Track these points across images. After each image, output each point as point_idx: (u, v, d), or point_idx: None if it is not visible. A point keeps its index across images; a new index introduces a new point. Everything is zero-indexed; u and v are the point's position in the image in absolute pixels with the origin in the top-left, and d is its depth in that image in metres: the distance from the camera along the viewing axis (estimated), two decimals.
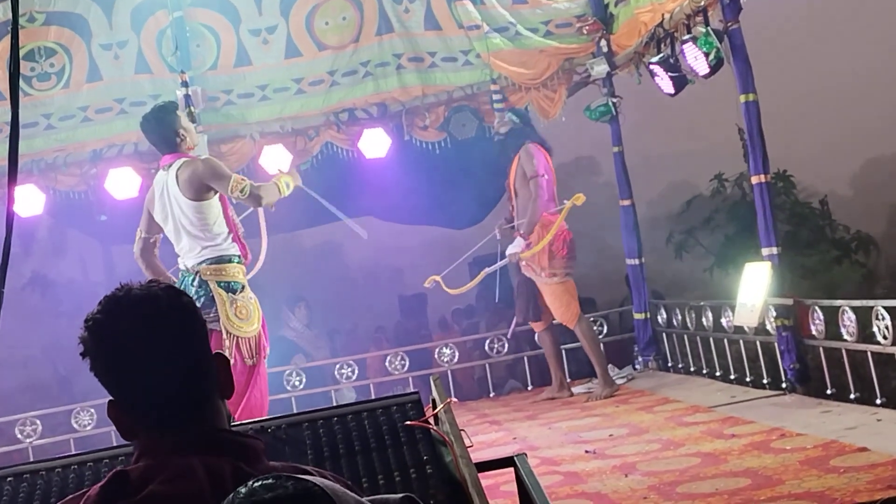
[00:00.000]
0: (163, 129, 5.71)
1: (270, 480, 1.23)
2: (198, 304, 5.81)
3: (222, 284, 5.58)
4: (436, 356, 9.28)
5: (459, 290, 8.37)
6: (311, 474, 1.58)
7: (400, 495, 1.46)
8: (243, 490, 1.21)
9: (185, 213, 5.63)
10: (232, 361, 5.50)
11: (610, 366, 8.78)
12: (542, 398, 8.03)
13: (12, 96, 2.53)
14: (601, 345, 8.27)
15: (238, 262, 5.71)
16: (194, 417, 1.62)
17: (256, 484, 1.22)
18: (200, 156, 6.18)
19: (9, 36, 7.92)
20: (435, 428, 3.04)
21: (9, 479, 2.93)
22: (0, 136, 8.20)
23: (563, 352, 8.43)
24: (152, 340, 1.61)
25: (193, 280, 5.61)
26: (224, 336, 5.48)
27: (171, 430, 1.60)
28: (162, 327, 1.62)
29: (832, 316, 6.11)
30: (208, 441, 1.60)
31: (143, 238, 5.90)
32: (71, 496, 1.62)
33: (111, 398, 1.64)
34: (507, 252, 7.68)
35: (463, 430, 3.04)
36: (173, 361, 1.61)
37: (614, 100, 8.68)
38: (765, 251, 6.70)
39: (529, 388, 9.01)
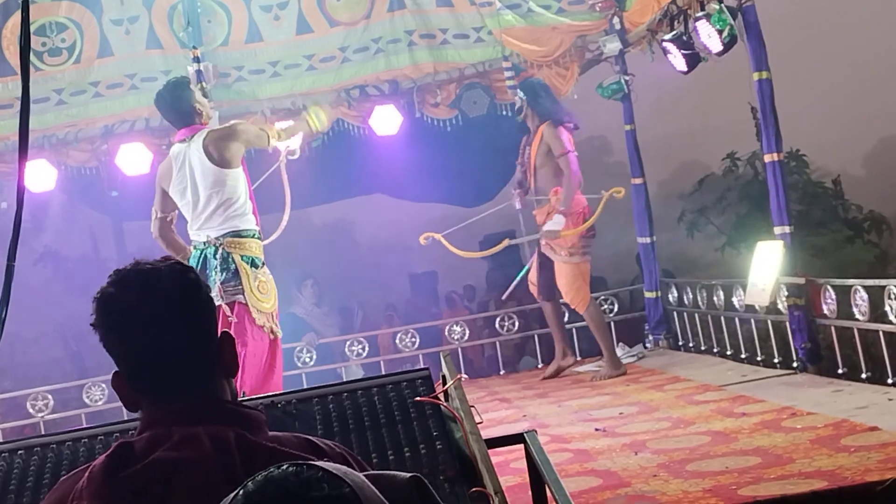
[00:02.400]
0: (179, 104, 5.71)
1: (304, 470, 1.22)
2: (220, 277, 5.77)
3: (246, 259, 5.57)
4: (446, 334, 9.28)
5: (471, 254, 8.24)
6: (318, 446, 1.58)
7: (408, 474, 1.45)
8: (274, 474, 1.21)
9: (213, 182, 5.57)
10: (251, 334, 5.52)
11: (620, 344, 8.78)
12: (549, 372, 7.95)
13: (23, 71, 2.53)
14: (609, 326, 8.23)
15: (256, 238, 5.70)
16: (197, 390, 1.64)
17: (290, 470, 1.21)
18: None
19: (19, 11, 7.92)
20: (445, 404, 3.04)
21: (19, 451, 2.95)
22: (11, 112, 8.22)
23: (570, 328, 8.40)
24: (157, 314, 1.64)
25: (215, 253, 5.57)
26: (248, 309, 5.48)
27: (174, 402, 1.63)
28: (167, 302, 1.65)
29: (844, 295, 6.08)
30: (211, 411, 1.62)
31: (160, 217, 5.88)
32: (78, 469, 1.63)
33: (116, 370, 1.67)
34: (546, 228, 7.43)
35: (473, 406, 3.04)
36: (177, 336, 1.64)
37: (627, 77, 8.62)
38: (777, 230, 6.67)
39: (539, 365, 9.01)
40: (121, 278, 1.68)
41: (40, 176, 8.25)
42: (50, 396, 8.65)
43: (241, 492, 1.20)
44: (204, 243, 5.63)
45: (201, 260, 5.60)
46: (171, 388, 1.64)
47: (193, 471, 1.51)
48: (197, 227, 5.70)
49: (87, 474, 1.55)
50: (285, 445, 1.57)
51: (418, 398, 3.02)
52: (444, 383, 3.17)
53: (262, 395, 3.20)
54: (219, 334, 1.72)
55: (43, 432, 6.80)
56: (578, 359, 7.82)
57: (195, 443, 1.55)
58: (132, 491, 1.50)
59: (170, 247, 5.86)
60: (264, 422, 1.66)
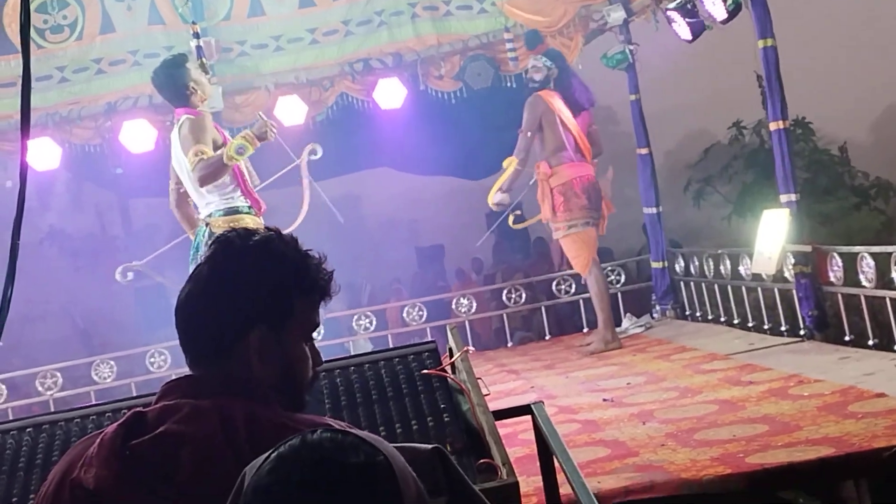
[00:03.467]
0: (173, 83, 5.67)
1: (339, 436, 1.22)
2: None
3: None
4: (453, 307, 9.29)
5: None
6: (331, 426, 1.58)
7: (430, 446, 1.46)
8: (311, 437, 1.21)
9: (186, 168, 5.63)
10: None
11: (628, 315, 8.78)
12: (589, 350, 7.55)
13: (23, 48, 2.51)
14: (616, 298, 8.20)
15: (249, 213, 5.69)
16: (220, 363, 1.65)
17: (325, 435, 1.21)
18: (211, 109, 6.18)
19: None
20: (452, 376, 3.04)
21: (28, 429, 2.97)
22: (14, 90, 8.20)
23: (577, 299, 8.39)
24: (208, 267, 1.69)
25: (205, 233, 5.62)
26: None
27: (200, 368, 1.67)
28: (221, 267, 1.69)
29: (851, 263, 6.07)
30: (223, 385, 1.62)
31: (174, 189, 5.94)
32: (91, 434, 1.65)
33: None
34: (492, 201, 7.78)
35: (480, 378, 3.05)
36: (220, 307, 1.66)
37: (631, 47, 8.57)
38: (783, 198, 6.65)
39: (547, 337, 9.01)
40: (218, 240, 1.74)
41: (44, 154, 8.23)
42: (58, 374, 8.68)
43: (273, 454, 1.21)
44: (200, 226, 5.73)
45: (200, 240, 5.68)
46: (199, 353, 1.67)
47: (199, 446, 1.52)
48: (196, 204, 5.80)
49: (98, 440, 1.56)
50: (294, 422, 1.57)
51: (426, 371, 3.03)
52: (452, 356, 3.18)
53: None
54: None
55: (52, 410, 6.83)
56: (621, 346, 7.61)
57: (203, 417, 1.55)
58: (140, 461, 1.51)
59: (184, 220, 6.00)
60: (278, 400, 1.66)
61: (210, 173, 5.46)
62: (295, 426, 1.52)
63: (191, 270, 1.75)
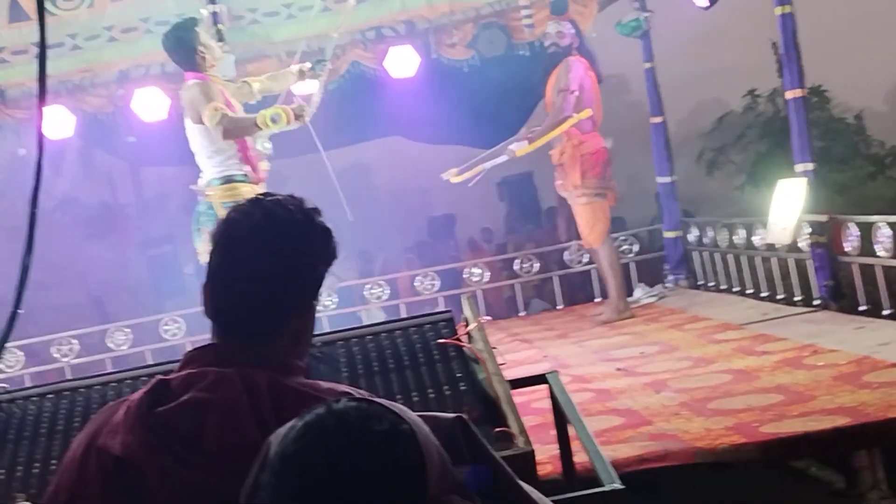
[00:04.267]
0: (181, 46, 5.75)
1: (364, 404, 1.22)
2: (208, 227, 5.81)
3: (228, 205, 5.59)
4: (465, 276, 9.29)
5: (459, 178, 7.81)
6: (352, 395, 1.59)
7: (452, 415, 1.47)
8: (336, 406, 1.21)
9: (192, 135, 5.74)
10: None
11: (641, 285, 8.77)
12: (601, 319, 7.56)
13: (39, 16, 2.50)
14: (626, 268, 8.17)
15: (244, 181, 5.69)
16: (250, 335, 1.64)
17: (351, 404, 1.22)
18: (223, 77, 6.18)
19: None
20: (468, 345, 3.05)
21: (49, 395, 2.99)
22: (26, 58, 8.19)
23: (588, 269, 8.35)
24: (253, 244, 1.65)
25: (205, 203, 5.66)
26: None
27: (232, 339, 1.64)
28: (272, 243, 1.65)
29: (866, 232, 6.04)
30: (247, 353, 1.63)
31: None
32: (116, 401, 1.66)
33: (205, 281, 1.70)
34: (508, 147, 7.50)
35: (495, 347, 3.05)
36: (262, 280, 1.64)
37: (646, 14, 8.50)
38: (799, 167, 6.61)
39: (559, 307, 9.01)
40: (249, 206, 1.70)
41: (58, 122, 8.22)
42: (75, 341, 8.73)
43: (299, 423, 1.21)
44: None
45: (199, 212, 5.75)
46: (236, 329, 1.65)
47: (224, 412, 1.53)
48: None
49: (124, 408, 1.57)
50: (317, 390, 1.58)
51: (441, 340, 3.03)
52: (467, 325, 3.18)
53: None
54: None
55: (69, 377, 6.87)
56: (632, 316, 7.56)
57: (227, 384, 1.57)
58: (166, 428, 1.53)
59: None
60: (301, 368, 1.67)
61: (238, 129, 5.56)
62: (319, 395, 1.53)
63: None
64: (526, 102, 8.23)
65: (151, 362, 6.10)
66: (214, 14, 7.93)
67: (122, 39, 8.56)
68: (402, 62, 8.57)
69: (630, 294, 8.35)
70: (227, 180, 5.68)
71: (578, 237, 7.98)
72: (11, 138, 8.74)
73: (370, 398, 1.28)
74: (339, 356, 3.00)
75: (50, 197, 12.25)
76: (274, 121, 5.55)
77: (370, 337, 3.09)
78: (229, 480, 1.38)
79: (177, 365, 1.66)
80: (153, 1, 8.54)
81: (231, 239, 1.67)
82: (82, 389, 3.00)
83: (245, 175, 5.72)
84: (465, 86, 9.08)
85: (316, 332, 3.15)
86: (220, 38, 7.73)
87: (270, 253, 1.64)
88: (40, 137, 2.48)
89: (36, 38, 2.44)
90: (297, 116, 5.61)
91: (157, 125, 8.17)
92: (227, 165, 5.70)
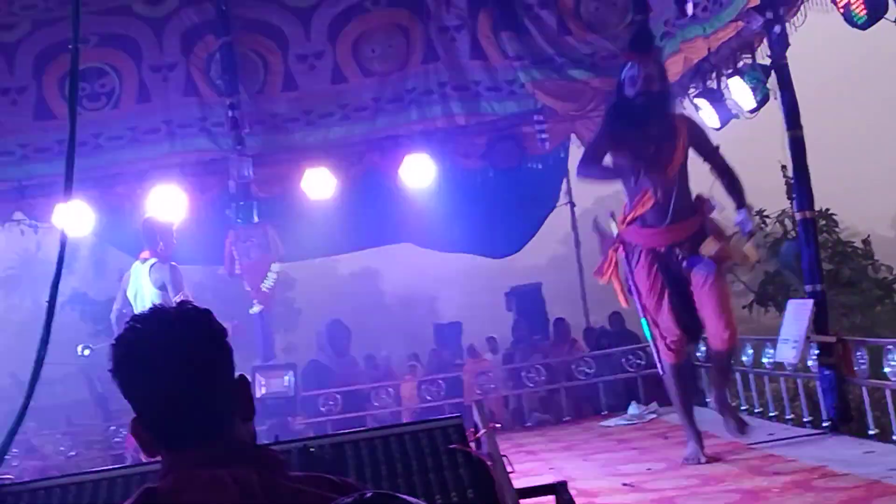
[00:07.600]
0: (148, 235, 6.97)
1: (387, 499, 1.23)
2: None
3: None
4: (468, 384, 9.24)
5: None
6: (338, 484, 1.58)
7: None
8: (366, 498, 1.22)
9: (153, 298, 6.72)
10: None
11: (633, 402, 8.66)
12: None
13: (70, 115, 2.57)
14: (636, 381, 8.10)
15: None
16: (215, 434, 1.62)
17: (367, 495, 1.22)
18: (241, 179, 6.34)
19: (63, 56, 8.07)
20: (477, 452, 3.03)
21: (40, 491, 2.96)
22: (47, 155, 8.33)
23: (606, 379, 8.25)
24: (175, 356, 1.62)
25: None
26: None
27: (196, 446, 1.61)
28: (185, 344, 1.63)
29: (875, 355, 6.02)
30: (232, 453, 1.60)
31: (117, 310, 7.15)
32: None
33: (134, 416, 1.65)
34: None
35: (505, 455, 3.03)
36: (195, 379, 1.62)
37: None
38: (808, 287, 6.64)
39: (566, 419, 8.93)
40: (139, 322, 1.66)
41: (78, 219, 8.29)
42: (72, 437, 8.66)
43: None
44: None
45: None
46: (191, 432, 1.62)
47: None
48: None
49: None
50: (309, 485, 1.57)
51: (451, 446, 3.01)
52: (476, 431, 3.17)
53: (295, 439, 3.20)
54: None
55: (65, 472, 6.80)
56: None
57: (221, 486, 1.54)
58: None
59: None
60: (284, 462, 1.65)
61: None
62: (312, 490, 1.52)
63: None
64: (537, 213, 8.32)
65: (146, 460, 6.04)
66: (234, 119, 8.10)
67: (143, 140, 8.75)
68: (418, 170, 8.71)
69: (625, 410, 8.30)
70: None
71: (581, 349, 7.90)
72: (28, 233, 8.83)
73: (397, 495, 1.27)
74: (347, 458, 2.98)
75: (59, 292, 12.30)
76: None
77: (379, 440, 3.07)
78: None
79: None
80: (176, 104, 8.74)
81: (143, 361, 1.64)
82: (73, 486, 2.97)
83: None
84: (478, 195, 9.21)
85: (326, 434, 3.15)
86: (241, 143, 7.89)
87: (200, 356, 1.63)
88: (63, 235, 2.53)
89: (59, 136, 2.52)
90: None
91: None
92: None
